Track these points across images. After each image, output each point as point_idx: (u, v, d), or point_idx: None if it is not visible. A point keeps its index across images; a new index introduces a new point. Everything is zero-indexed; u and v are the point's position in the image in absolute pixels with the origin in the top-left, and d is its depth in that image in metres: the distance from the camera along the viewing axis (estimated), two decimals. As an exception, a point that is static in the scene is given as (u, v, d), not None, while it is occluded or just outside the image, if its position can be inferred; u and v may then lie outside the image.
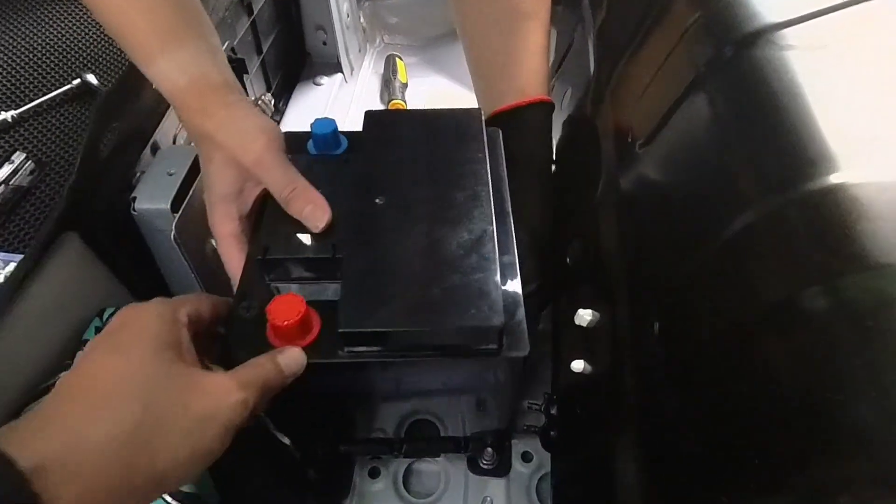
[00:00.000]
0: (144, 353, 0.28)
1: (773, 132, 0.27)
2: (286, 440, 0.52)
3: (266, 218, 0.39)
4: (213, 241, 0.51)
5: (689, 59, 0.35)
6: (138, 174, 0.48)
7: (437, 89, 0.95)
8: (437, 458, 0.53)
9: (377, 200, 0.39)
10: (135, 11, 0.38)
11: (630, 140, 0.39)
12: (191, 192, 0.46)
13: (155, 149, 0.50)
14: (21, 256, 0.64)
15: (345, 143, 0.44)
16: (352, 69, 0.92)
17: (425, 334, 0.33)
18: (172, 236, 0.44)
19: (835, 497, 0.19)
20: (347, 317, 0.33)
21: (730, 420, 0.24)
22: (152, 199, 0.44)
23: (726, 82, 0.31)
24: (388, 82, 0.91)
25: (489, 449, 0.52)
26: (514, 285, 0.37)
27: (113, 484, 0.24)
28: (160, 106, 0.52)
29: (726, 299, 0.26)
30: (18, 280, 0.37)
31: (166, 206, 0.44)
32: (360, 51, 0.96)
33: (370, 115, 0.45)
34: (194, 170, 0.47)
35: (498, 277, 0.34)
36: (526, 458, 0.52)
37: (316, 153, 0.43)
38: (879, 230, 0.22)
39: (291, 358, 0.33)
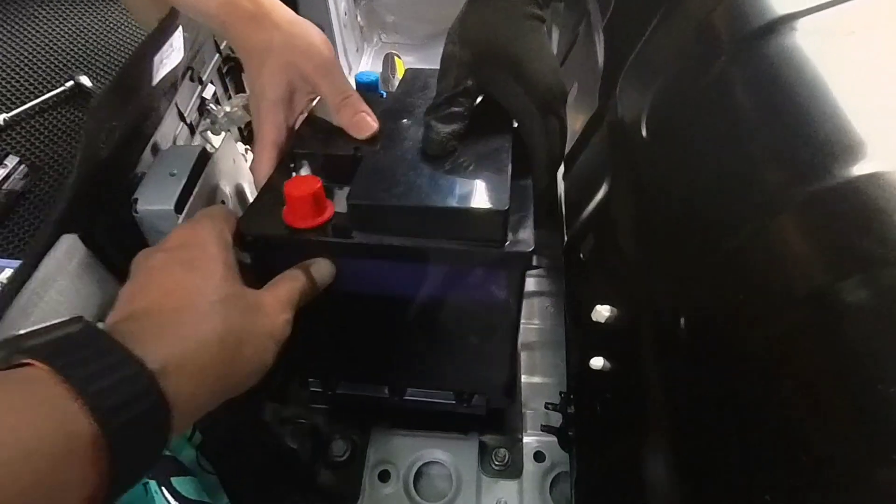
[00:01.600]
0: (215, 273, 0.30)
1: (800, 121, 0.27)
2: (294, 444, 0.51)
3: (304, 122, 0.43)
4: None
5: (708, 49, 0.35)
6: (139, 175, 0.47)
7: (435, 88, 0.94)
8: (448, 460, 0.52)
9: (404, 120, 0.42)
10: None
11: (644, 133, 0.39)
12: (194, 193, 0.44)
13: (155, 149, 0.49)
14: (18, 261, 0.63)
15: (384, 95, 0.50)
16: (350, 68, 0.91)
17: (430, 215, 0.34)
18: (177, 238, 0.42)
19: (888, 489, 0.18)
20: (358, 191, 0.35)
21: (768, 414, 0.23)
22: (155, 200, 0.43)
23: (749, 72, 0.30)
24: (387, 81, 0.90)
25: (501, 450, 0.51)
26: (526, 191, 0.38)
27: (213, 386, 0.27)
28: (159, 106, 0.51)
29: (760, 291, 0.25)
30: (20, 283, 0.36)
31: (170, 207, 0.43)
32: (357, 50, 0.95)
33: (409, 72, 0.50)
34: (197, 170, 0.46)
35: (508, 175, 0.36)
36: (538, 458, 0.51)
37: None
38: (918, 218, 0.22)
39: (323, 267, 0.35)
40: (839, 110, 0.26)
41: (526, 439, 0.52)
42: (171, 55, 0.50)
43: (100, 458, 0.21)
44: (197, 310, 0.28)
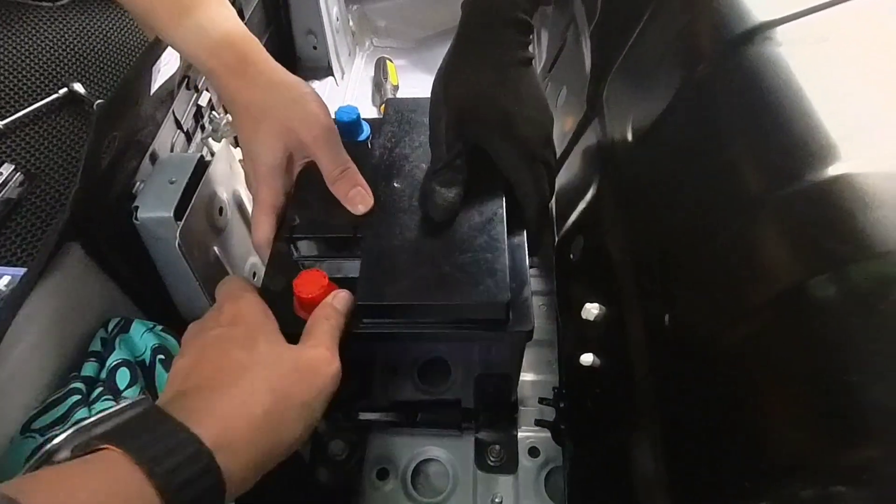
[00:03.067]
0: (261, 345, 0.32)
1: (775, 126, 0.28)
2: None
3: (295, 199, 0.43)
4: (215, 249, 0.51)
5: (687, 57, 0.36)
6: (138, 183, 0.48)
7: (427, 91, 0.95)
8: (444, 457, 0.53)
9: (395, 184, 0.43)
10: None
11: (630, 137, 0.40)
12: (193, 200, 0.45)
13: (154, 157, 0.50)
14: (15, 269, 0.64)
15: (367, 129, 0.48)
16: (342, 73, 0.92)
17: (436, 308, 0.36)
18: (177, 244, 0.43)
19: (856, 475, 0.19)
20: (366, 291, 0.36)
21: (746, 405, 0.24)
22: (155, 207, 0.44)
23: (728, 78, 0.32)
24: (380, 85, 0.92)
25: (497, 446, 0.53)
26: (522, 264, 0.39)
27: (258, 460, 0.29)
28: (157, 114, 0.52)
29: (737, 289, 0.26)
30: (26, 292, 0.37)
31: (169, 214, 0.44)
32: (349, 54, 0.96)
33: (391, 103, 0.50)
34: (196, 177, 0.47)
35: (506, 257, 0.37)
36: (533, 453, 0.53)
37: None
38: (883, 218, 0.23)
39: (343, 300, 0.36)
40: (812, 115, 0.27)
41: (521, 435, 0.54)
42: (169, 64, 0.51)
43: None
44: (244, 389, 0.30)
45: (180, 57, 0.53)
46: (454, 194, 0.39)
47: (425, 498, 0.51)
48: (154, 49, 0.49)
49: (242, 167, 0.45)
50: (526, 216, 0.41)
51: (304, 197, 0.43)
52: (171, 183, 0.45)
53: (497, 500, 0.49)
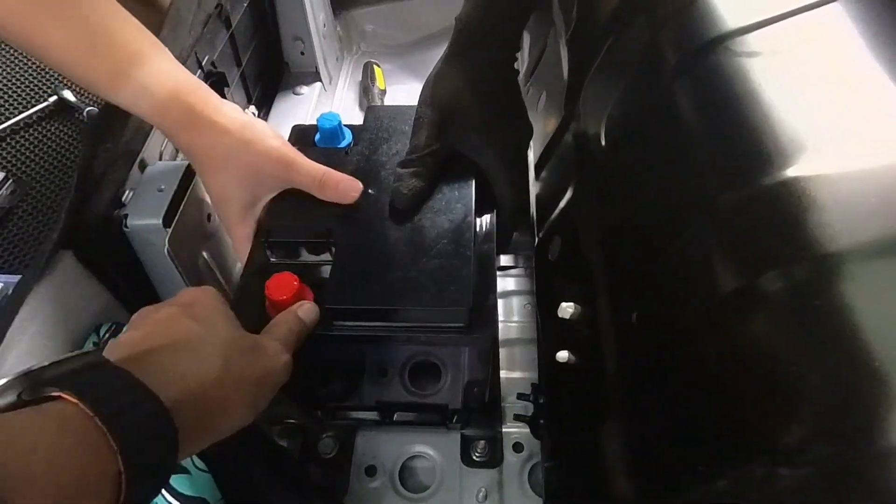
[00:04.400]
0: (218, 322, 0.33)
1: (733, 132, 0.30)
2: (283, 442, 0.54)
3: (270, 204, 0.44)
4: (204, 254, 0.52)
5: (656, 65, 0.38)
6: (128, 191, 0.49)
7: (415, 94, 0.97)
8: (431, 454, 0.55)
9: (370, 191, 0.44)
10: (90, 38, 0.36)
11: (603, 141, 0.42)
12: (181, 207, 0.47)
13: (143, 166, 0.51)
14: (7, 276, 0.65)
15: (349, 136, 0.50)
16: (330, 78, 0.93)
17: (401, 312, 0.38)
18: (166, 250, 0.45)
19: (796, 454, 0.21)
20: (333, 294, 0.38)
21: (702, 396, 0.26)
22: (144, 214, 0.45)
23: (688, 87, 0.34)
24: (367, 89, 0.93)
25: (482, 442, 0.54)
26: (489, 270, 0.41)
27: (206, 426, 0.29)
28: (146, 123, 0.53)
29: (694, 286, 0.28)
30: (21, 299, 0.38)
31: (158, 221, 0.45)
32: (337, 59, 0.97)
33: (371, 111, 0.52)
34: (184, 185, 0.48)
35: (472, 264, 0.39)
36: (517, 448, 0.54)
37: (322, 146, 0.49)
38: (826, 219, 0.25)
39: (309, 311, 0.37)
40: (765, 122, 0.29)
41: (505, 430, 0.55)
42: (156, 75, 0.52)
43: (118, 492, 0.22)
44: (198, 353, 0.30)
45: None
46: (419, 185, 0.41)
47: (412, 493, 0.53)
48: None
49: (213, 208, 0.46)
50: (501, 215, 0.43)
51: (280, 202, 0.44)
52: (160, 191, 0.47)
53: (482, 494, 0.50)
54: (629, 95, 0.40)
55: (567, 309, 0.39)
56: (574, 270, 0.41)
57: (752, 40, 0.32)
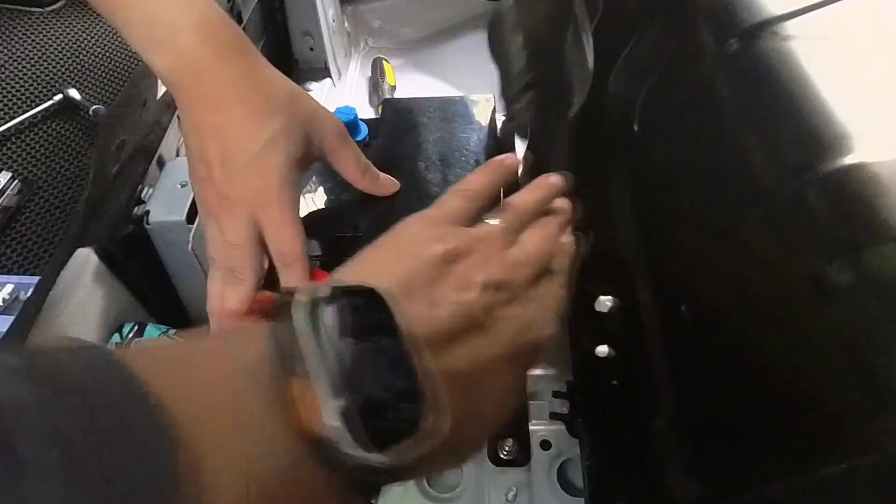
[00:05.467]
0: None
1: (786, 119, 0.29)
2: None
3: None
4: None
5: (697, 49, 0.37)
6: (146, 189, 0.48)
7: (425, 90, 0.96)
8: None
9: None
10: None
11: (637, 132, 0.41)
12: (204, 203, 0.46)
13: (161, 162, 0.50)
14: (19, 277, 0.63)
15: (365, 129, 0.48)
16: (339, 73, 0.92)
17: None
18: (190, 248, 0.44)
19: (878, 446, 0.20)
20: None
21: (772, 390, 0.25)
22: (166, 211, 0.44)
23: (737, 71, 0.33)
24: (377, 85, 0.92)
25: (509, 439, 0.53)
26: None
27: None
28: (162, 119, 0.52)
29: (758, 276, 0.27)
30: (41, 298, 0.37)
31: (181, 217, 0.44)
32: (345, 55, 0.96)
33: (388, 103, 0.49)
34: (205, 180, 0.47)
35: None
36: (545, 445, 0.53)
37: None
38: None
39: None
40: (821, 107, 0.28)
41: (532, 428, 0.54)
42: (173, 69, 0.51)
43: None
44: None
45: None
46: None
47: (440, 493, 0.52)
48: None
49: (202, 185, 0.35)
50: None
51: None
52: (182, 186, 0.46)
53: (511, 493, 0.49)
54: (667, 82, 0.39)
55: (605, 302, 0.38)
56: (609, 262, 0.40)
57: (802, 25, 0.32)
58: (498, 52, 0.42)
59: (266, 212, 0.33)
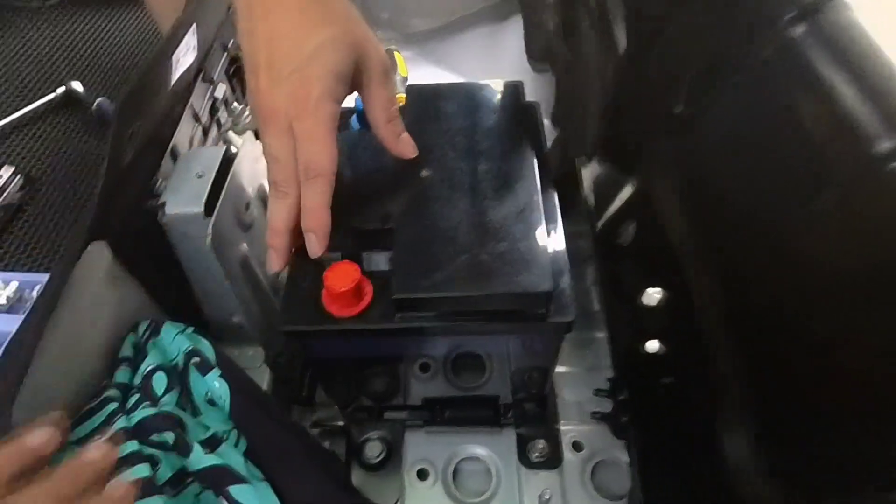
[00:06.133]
0: None
1: (860, 99, 0.27)
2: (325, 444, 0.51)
3: None
4: (244, 246, 0.48)
5: (748, 29, 0.35)
6: (160, 181, 0.45)
7: (436, 81, 0.94)
8: (486, 455, 0.51)
9: (423, 173, 0.41)
10: None
11: (681, 118, 0.39)
12: (222, 195, 0.43)
13: (174, 153, 0.48)
14: (23, 274, 0.61)
15: None
16: (349, 66, 0.90)
17: (475, 299, 0.35)
18: (208, 241, 0.41)
19: None
20: (401, 283, 0.35)
21: (860, 388, 0.23)
22: (183, 203, 0.42)
23: (794, 51, 0.31)
24: (388, 78, 0.90)
25: (540, 441, 0.51)
26: (561, 252, 0.38)
27: None
28: (176, 108, 0.49)
29: (829, 265, 0.25)
30: (56, 296, 0.35)
31: (199, 210, 0.41)
32: (355, 47, 0.94)
33: (412, 90, 0.48)
34: (223, 171, 0.44)
35: (545, 244, 0.36)
36: (577, 447, 0.51)
37: (360, 128, 0.44)
38: None
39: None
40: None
41: (562, 429, 0.52)
42: (187, 54, 0.48)
43: None
44: None
45: (197, 47, 0.51)
46: None
47: (469, 498, 0.49)
48: (172, 38, 0.47)
49: (260, 95, 0.35)
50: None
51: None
52: (199, 177, 0.43)
53: (546, 496, 0.47)
54: (718, 62, 0.37)
55: (653, 295, 0.36)
56: (656, 254, 0.38)
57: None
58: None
59: (300, 122, 0.33)
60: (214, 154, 0.45)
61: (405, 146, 0.40)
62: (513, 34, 0.96)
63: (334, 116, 0.34)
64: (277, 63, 0.33)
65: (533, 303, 0.35)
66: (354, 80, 0.35)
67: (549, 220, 0.39)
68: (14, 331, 0.34)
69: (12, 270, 0.72)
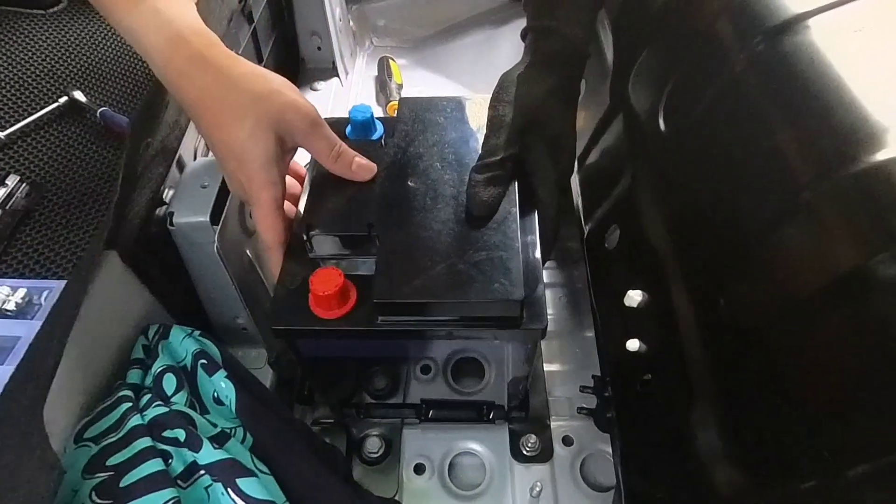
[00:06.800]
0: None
1: (821, 113, 0.29)
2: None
3: (308, 197, 0.43)
4: (248, 252, 0.51)
5: (721, 48, 0.37)
6: (168, 190, 0.48)
7: (431, 88, 0.96)
8: (479, 450, 0.54)
9: (409, 183, 0.43)
10: None
11: (663, 128, 0.41)
12: (227, 204, 0.45)
13: (180, 163, 0.50)
14: (30, 281, 0.63)
15: (381, 128, 0.48)
16: (346, 72, 0.92)
17: (452, 305, 0.37)
18: (215, 248, 0.43)
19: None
20: (382, 288, 0.37)
21: (819, 381, 0.26)
22: (190, 212, 0.44)
23: (765, 69, 0.33)
24: (384, 84, 0.92)
25: (532, 436, 0.53)
26: (535, 262, 0.40)
27: None
28: (181, 119, 0.52)
29: (798, 272, 0.27)
30: (77, 304, 0.37)
31: (205, 218, 0.44)
32: (351, 55, 0.96)
33: (405, 102, 0.50)
34: (228, 181, 0.46)
35: (520, 255, 0.38)
36: (567, 441, 0.54)
37: (354, 138, 0.47)
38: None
39: None
40: (855, 102, 0.28)
41: (553, 424, 0.55)
42: (191, 69, 0.50)
43: None
44: None
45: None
46: (498, 193, 0.40)
47: (463, 490, 0.52)
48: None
49: (224, 173, 0.42)
50: (542, 235, 0.42)
51: (319, 195, 0.43)
52: (204, 187, 0.45)
53: (537, 488, 0.50)
54: (693, 78, 0.39)
55: (635, 297, 0.39)
56: (639, 258, 0.40)
57: (831, 19, 0.32)
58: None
59: (251, 208, 0.41)
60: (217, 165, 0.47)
61: (361, 172, 0.43)
62: (508, 40, 0.98)
63: (274, 198, 0.40)
64: (221, 161, 0.40)
65: (507, 309, 0.37)
66: (288, 146, 0.40)
67: (526, 232, 0.41)
68: (32, 336, 0.36)
69: (21, 276, 0.74)
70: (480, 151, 0.42)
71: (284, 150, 0.40)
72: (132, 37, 0.36)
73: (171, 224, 0.44)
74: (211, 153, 0.58)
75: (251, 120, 0.37)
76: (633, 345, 0.38)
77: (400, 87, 0.92)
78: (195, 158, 0.54)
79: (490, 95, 0.44)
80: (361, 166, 0.43)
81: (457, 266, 0.37)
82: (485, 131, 0.42)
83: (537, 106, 0.41)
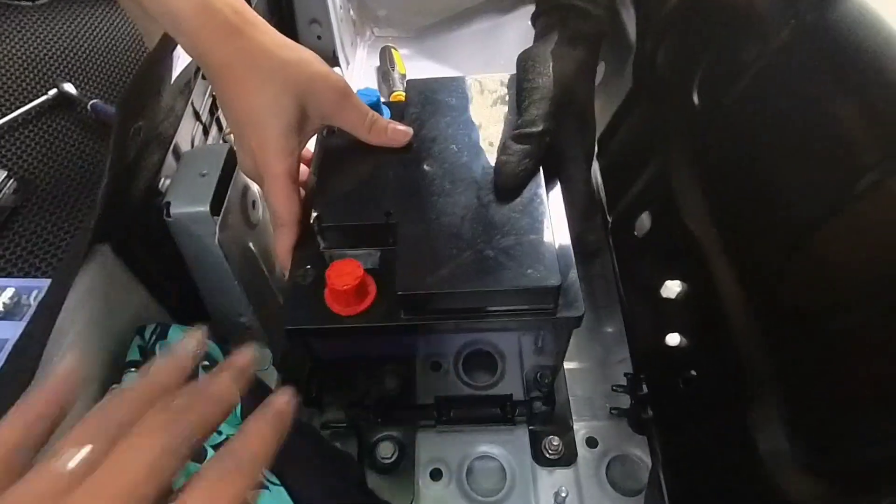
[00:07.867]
0: None
1: (884, 85, 0.26)
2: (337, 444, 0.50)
3: (318, 186, 0.40)
4: (252, 246, 0.48)
5: (763, 18, 0.34)
6: (164, 179, 0.44)
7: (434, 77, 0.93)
8: (499, 453, 0.51)
9: (425, 167, 0.40)
10: None
11: (699, 107, 0.38)
12: (228, 193, 0.42)
13: (176, 152, 0.47)
14: (18, 280, 0.59)
15: (387, 112, 0.45)
16: (348, 62, 0.89)
17: (482, 295, 0.34)
18: (216, 240, 0.40)
19: None
20: (405, 280, 0.34)
21: (884, 378, 0.23)
22: (188, 202, 0.41)
23: (816, 38, 0.30)
24: (386, 74, 0.89)
25: (555, 438, 0.50)
26: (566, 246, 0.37)
27: None
28: (176, 105, 0.48)
29: (870, 260, 0.24)
30: (59, 299, 0.34)
31: (205, 208, 0.40)
32: (352, 44, 0.93)
33: (412, 85, 0.47)
34: (228, 168, 0.43)
35: (552, 238, 0.35)
36: (591, 443, 0.51)
37: None
38: None
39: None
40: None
41: (575, 425, 0.52)
42: (187, 51, 0.47)
43: None
44: None
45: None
46: (531, 166, 0.37)
47: (483, 497, 0.49)
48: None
49: (236, 147, 0.39)
50: (572, 213, 0.39)
51: (330, 182, 0.40)
52: (203, 176, 0.42)
53: (563, 494, 0.47)
54: (732, 51, 0.36)
55: (673, 288, 0.36)
56: (674, 245, 0.37)
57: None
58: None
59: (262, 180, 0.38)
60: (218, 152, 0.44)
61: (398, 137, 0.41)
62: (513, 28, 0.95)
63: (289, 170, 0.37)
64: (236, 128, 0.38)
65: (541, 298, 0.34)
66: (311, 119, 0.38)
67: (554, 214, 0.39)
68: (15, 337, 0.33)
69: (8, 275, 0.71)
70: (519, 122, 0.39)
71: (305, 126, 0.38)
72: (158, 6, 0.35)
73: (168, 215, 0.41)
74: (211, 140, 0.55)
75: (277, 85, 0.36)
76: (672, 339, 0.35)
77: (403, 77, 0.89)
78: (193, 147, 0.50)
79: (497, 76, 0.43)
80: (397, 131, 0.41)
81: (484, 253, 0.34)
82: (520, 103, 0.40)
83: (572, 82, 0.39)
